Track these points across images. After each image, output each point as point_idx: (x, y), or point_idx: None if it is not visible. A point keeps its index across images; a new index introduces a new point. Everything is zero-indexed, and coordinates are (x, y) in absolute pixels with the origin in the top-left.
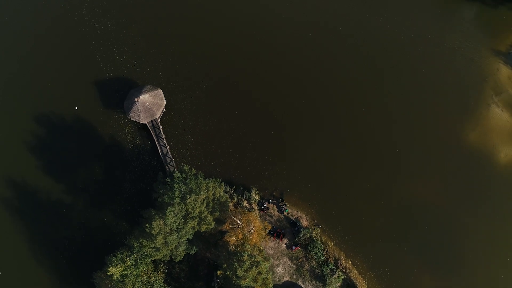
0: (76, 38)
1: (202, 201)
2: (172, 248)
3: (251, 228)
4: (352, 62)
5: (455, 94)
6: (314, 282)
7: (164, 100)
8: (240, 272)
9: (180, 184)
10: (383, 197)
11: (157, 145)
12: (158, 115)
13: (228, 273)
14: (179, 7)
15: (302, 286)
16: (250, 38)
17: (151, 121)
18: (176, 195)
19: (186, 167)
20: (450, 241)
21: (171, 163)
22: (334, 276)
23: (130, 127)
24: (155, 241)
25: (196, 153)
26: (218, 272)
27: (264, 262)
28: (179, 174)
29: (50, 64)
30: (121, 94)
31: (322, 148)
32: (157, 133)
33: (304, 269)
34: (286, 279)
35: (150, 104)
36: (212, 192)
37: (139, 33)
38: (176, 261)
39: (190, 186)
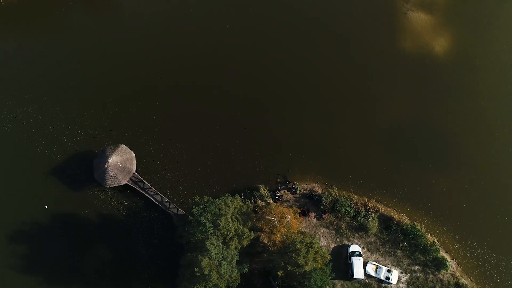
0: (6, 139)
1: (231, 218)
2: (227, 277)
3: (287, 217)
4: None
5: (375, 17)
6: (356, 234)
7: (132, 152)
8: (301, 260)
9: (205, 214)
10: (370, 131)
11: (148, 197)
12: (134, 169)
13: (289, 267)
14: (90, 60)
15: (349, 244)
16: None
17: (130, 178)
18: (208, 226)
19: (197, 198)
20: (441, 140)
21: (171, 206)
22: (370, 220)
23: (112, 195)
24: (211, 279)
25: (188, 184)
26: (279, 273)
27: (314, 240)
28: (196, 207)
29: None
30: (83, 169)
31: (299, 117)
32: (142, 186)
33: (342, 229)
34: (332, 246)
35: (121, 162)
36: (233, 206)
37: (66, 103)
38: (235, 287)
39: (213, 211)
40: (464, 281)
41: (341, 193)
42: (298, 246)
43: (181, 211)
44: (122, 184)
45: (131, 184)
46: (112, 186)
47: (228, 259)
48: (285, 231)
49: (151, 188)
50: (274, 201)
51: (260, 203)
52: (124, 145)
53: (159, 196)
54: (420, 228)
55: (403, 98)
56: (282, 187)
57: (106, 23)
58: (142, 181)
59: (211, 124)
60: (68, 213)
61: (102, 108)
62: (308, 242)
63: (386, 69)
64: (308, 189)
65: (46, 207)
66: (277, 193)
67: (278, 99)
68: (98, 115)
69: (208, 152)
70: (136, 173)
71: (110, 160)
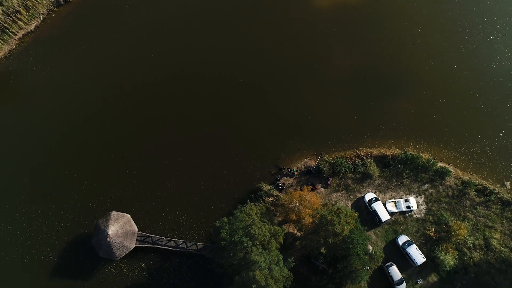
0: None
1: (260, 223)
2: (282, 279)
3: (307, 196)
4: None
5: None
6: (364, 184)
7: (125, 214)
8: (338, 228)
9: (236, 232)
10: (329, 90)
11: (162, 247)
12: (136, 229)
13: (330, 240)
14: (32, 149)
15: (363, 195)
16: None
17: (136, 239)
18: (245, 241)
19: (218, 223)
20: (391, 72)
21: (189, 245)
22: (368, 166)
23: (125, 264)
24: (273, 287)
25: (193, 217)
26: (322, 249)
27: (339, 205)
28: (223, 231)
29: None
30: (84, 255)
31: (262, 107)
32: (151, 240)
33: (350, 186)
34: (349, 204)
35: (121, 229)
36: (254, 212)
37: (30, 201)
38: (290, 283)
39: (241, 226)
40: (466, 177)
41: (332, 156)
42: (330, 217)
43: (200, 245)
44: (131, 249)
45: (139, 244)
46: (122, 256)
47: (275, 261)
48: (311, 210)
49: (160, 238)
50: (279, 192)
51: (269, 199)
52: (114, 211)
53: (172, 242)
54: (412, 152)
55: (345, 49)
56: (280, 175)
57: (27, 108)
58: (149, 236)
59: (185, 151)
60: None
61: (70, 188)
62: (335, 210)
63: (319, 29)
64: (303, 166)
65: None
66: (279, 183)
67: (235, 99)
68: (69, 197)
69: (195, 178)
70: (139, 231)
71: (109, 232)
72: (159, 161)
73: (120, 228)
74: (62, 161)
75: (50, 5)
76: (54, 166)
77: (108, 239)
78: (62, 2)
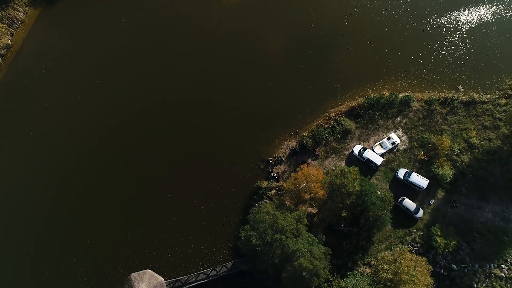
0: None
1: (282, 215)
2: (322, 256)
3: (310, 172)
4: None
5: None
6: (347, 140)
7: (145, 270)
8: (351, 187)
9: (266, 231)
10: (275, 72)
11: (195, 284)
12: (162, 279)
13: (347, 201)
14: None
15: (351, 150)
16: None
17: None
18: (278, 237)
19: (243, 232)
20: (323, 36)
21: (219, 269)
22: (344, 123)
23: None
24: (318, 268)
25: (209, 242)
26: (343, 213)
27: (340, 167)
28: (253, 238)
29: None
30: None
31: (225, 112)
32: (182, 282)
33: (336, 147)
34: (343, 164)
35: (148, 286)
36: (270, 208)
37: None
38: (329, 256)
39: (266, 225)
40: (426, 97)
41: (308, 128)
42: (339, 181)
43: (229, 264)
44: None
45: None
46: None
47: (311, 242)
48: (319, 183)
49: (189, 276)
50: (277, 182)
51: (272, 193)
52: (132, 274)
53: (201, 275)
54: (373, 95)
55: (272, 31)
56: (270, 167)
57: None
58: (177, 280)
59: (172, 185)
60: None
61: (74, 272)
62: (339, 172)
63: (240, 24)
64: (286, 150)
65: None
66: (273, 174)
67: (192, 120)
68: (77, 281)
69: (194, 205)
70: (166, 280)
71: None
72: (151, 205)
73: (147, 286)
74: (54, 251)
75: None
76: (48, 259)
77: None
78: None
